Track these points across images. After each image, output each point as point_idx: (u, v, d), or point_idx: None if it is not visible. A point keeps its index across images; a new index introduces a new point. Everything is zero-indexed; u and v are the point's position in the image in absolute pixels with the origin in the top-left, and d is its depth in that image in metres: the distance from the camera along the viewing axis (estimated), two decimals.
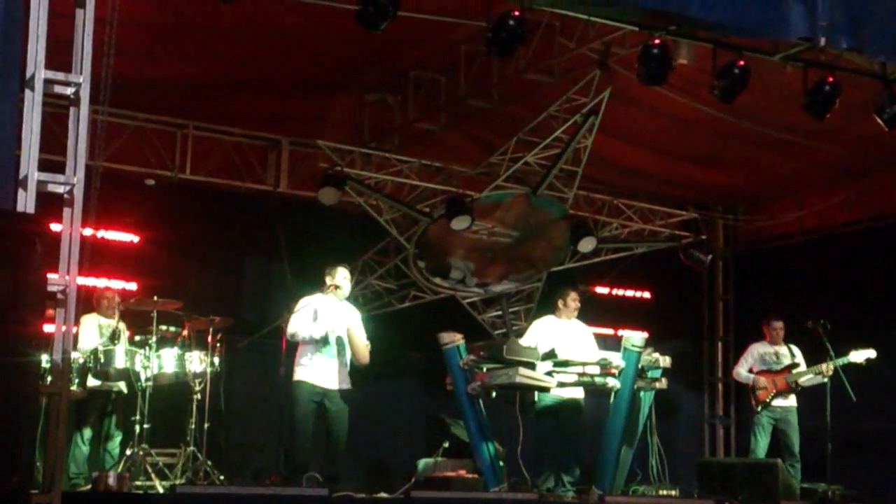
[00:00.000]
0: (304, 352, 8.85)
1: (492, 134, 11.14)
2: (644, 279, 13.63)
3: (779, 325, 11.01)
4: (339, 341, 8.91)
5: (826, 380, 10.37)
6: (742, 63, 8.68)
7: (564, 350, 9.26)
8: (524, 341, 9.44)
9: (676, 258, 12.73)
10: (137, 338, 9.21)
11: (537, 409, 9.58)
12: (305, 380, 8.77)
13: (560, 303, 9.96)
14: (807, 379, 10.67)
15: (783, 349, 10.95)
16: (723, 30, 8.30)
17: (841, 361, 10.43)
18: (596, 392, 9.53)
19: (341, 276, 9.05)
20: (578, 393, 9.62)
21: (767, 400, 10.75)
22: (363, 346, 8.96)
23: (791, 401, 10.81)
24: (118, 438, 9.40)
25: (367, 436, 11.31)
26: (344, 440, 8.87)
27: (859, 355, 10.47)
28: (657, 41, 8.56)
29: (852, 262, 12.69)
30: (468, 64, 10.25)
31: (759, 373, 10.90)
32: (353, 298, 11.26)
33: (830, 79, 8.89)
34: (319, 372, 8.82)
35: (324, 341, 8.83)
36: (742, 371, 11.07)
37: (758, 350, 11.05)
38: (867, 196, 12.58)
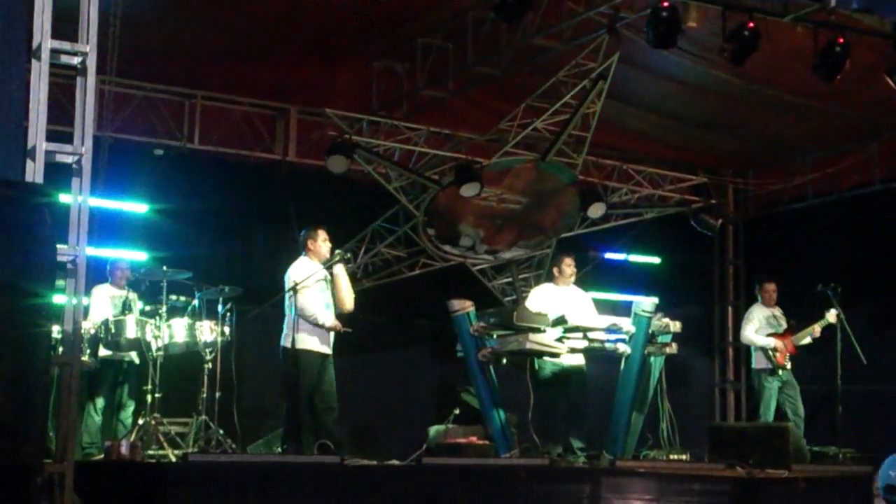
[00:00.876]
0: (303, 319, 8.68)
1: (500, 100, 11.10)
2: (654, 244, 13.61)
3: (772, 286, 11.08)
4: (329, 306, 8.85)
5: (811, 340, 10.71)
6: (752, 25, 8.62)
7: (572, 316, 9.26)
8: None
9: (687, 223, 12.71)
10: (148, 308, 9.23)
11: (540, 379, 9.56)
12: (311, 348, 8.71)
13: (555, 270, 9.94)
14: (805, 340, 10.73)
15: (778, 311, 11.03)
16: None
17: (822, 323, 10.58)
18: (606, 358, 9.54)
19: (322, 239, 8.91)
20: (579, 360, 9.62)
21: (784, 362, 10.76)
22: (348, 290, 8.87)
23: (789, 363, 10.87)
24: (130, 408, 9.45)
25: (378, 404, 11.36)
26: (336, 407, 8.85)
27: (831, 315, 10.52)
28: (666, 4, 8.53)
29: (863, 225, 12.65)
30: (476, 30, 10.20)
31: (769, 335, 10.89)
32: (362, 266, 11.29)
33: (841, 40, 8.83)
34: (321, 339, 8.76)
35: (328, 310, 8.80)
36: (751, 334, 11.03)
37: (761, 313, 11.07)
38: (878, 159, 12.52)
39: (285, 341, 8.64)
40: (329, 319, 8.74)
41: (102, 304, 9.47)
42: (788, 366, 10.80)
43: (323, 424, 8.68)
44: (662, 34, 8.66)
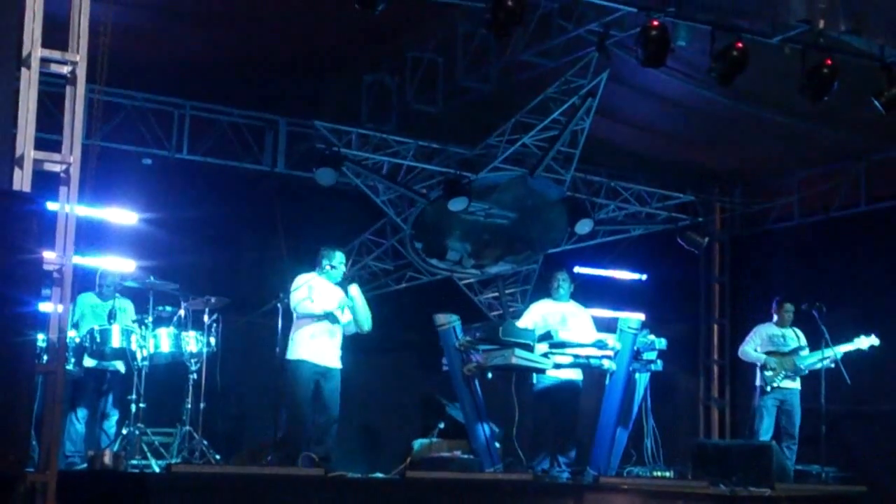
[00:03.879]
0: (305, 331, 8.87)
1: (489, 115, 11.12)
2: (641, 261, 13.64)
3: (790, 307, 11.02)
4: (335, 321, 8.95)
5: (833, 364, 10.43)
6: (740, 45, 8.66)
7: (562, 332, 9.30)
8: (521, 324, 9.46)
9: (673, 240, 12.74)
10: (134, 317, 9.21)
11: (536, 391, 9.61)
12: (307, 359, 8.80)
13: (551, 285, 10.03)
14: (812, 363, 10.67)
15: (789, 331, 10.97)
16: (721, 12, 8.28)
17: (846, 347, 10.47)
18: (592, 374, 9.56)
19: (338, 261, 9.11)
20: (576, 374, 9.65)
21: (776, 380, 10.75)
22: (365, 311, 9.05)
23: (796, 383, 10.82)
24: (114, 418, 9.41)
25: (362, 416, 11.35)
26: (337, 419, 8.91)
27: (863, 341, 10.51)
28: (656, 23, 8.55)
29: (849, 245, 12.70)
30: (466, 45, 10.23)
31: (768, 353, 10.89)
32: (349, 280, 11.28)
33: (828, 61, 8.88)
34: (320, 350, 8.86)
35: (325, 319, 8.86)
36: (750, 350, 11.04)
37: (766, 331, 11.05)
38: (864, 180, 12.57)
39: (289, 353, 8.86)
40: (317, 307, 8.85)
41: (83, 312, 9.43)
42: (786, 385, 10.77)
43: (318, 436, 8.73)
44: (652, 53, 8.69)
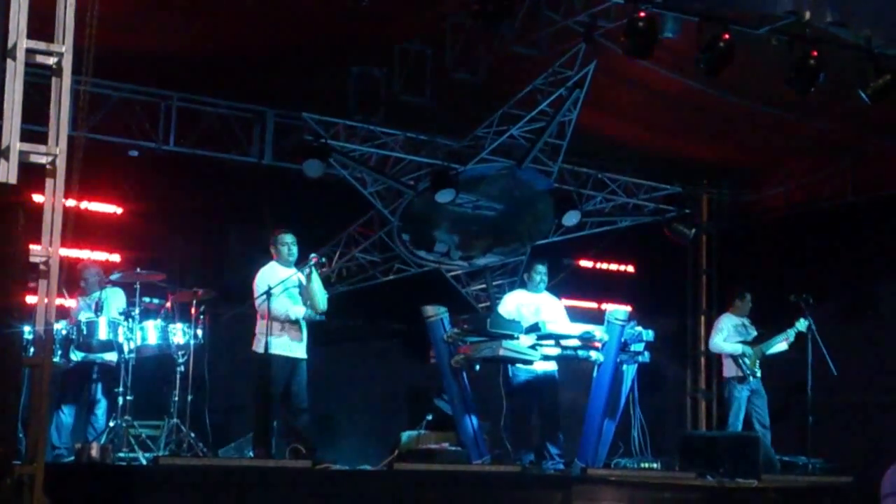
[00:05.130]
0: (275, 325, 8.66)
1: (477, 107, 11.11)
2: (628, 253, 13.65)
3: (748, 296, 11.13)
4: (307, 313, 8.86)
5: (786, 346, 10.74)
6: (727, 37, 8.67)
7: (555, 324, 9.33)
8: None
9: (661, 232, 12.76)
10: (122, 308, 9.19)
11: (513, 386, 9.57)
12: (280, 353, 8.68)
13: (525, 276, 10.04)
14: (776, 348, 10.78)
15: (747, 320, 11.07)
16: (709, 3, 8.28)
17: (792, 332, 10.65)
18: (578, 365, 9.57)
19: (283, 243, 8.93)
20: (552, 366, 9.65)
21: (754, 369, 10.78)
22: (320, 291, 8.87)
23: (759, 372, 10.90)
24: (102, 410, 9.39)
25: (350, 408, 11.35)
26: (307, 409, 8.82)
27: (802, 324, 10.59)
28: (643, 14, 8.55)
29: (836, 236, 12.73)
30: (454, 36, 10.20)
31: (740, 343, 10.92)
32: (336, 271, 11.28)
33: (815, 53, 8.89)
34: (291, 343, 8.76)
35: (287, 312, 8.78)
36: (720, 342, 11.06)
37: (730, 322, 11.12)
38: (851, 171, 12.61)
39: (258, 346, 8.64)
40: (299, 311, 8.75)
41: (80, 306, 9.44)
42: (758, 374, 10.83)
43: (294, 427, 8.68)
44: (639, 44, 8.71)
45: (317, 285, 8.87)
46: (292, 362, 8.74)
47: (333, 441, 10.38)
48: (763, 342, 10.85)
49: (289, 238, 8.96)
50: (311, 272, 8.78)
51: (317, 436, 9.12)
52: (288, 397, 8.71)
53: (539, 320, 9.32)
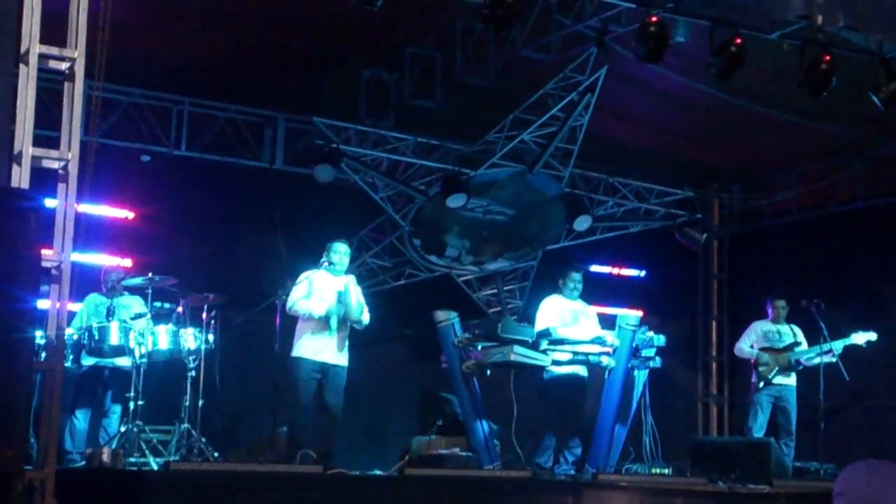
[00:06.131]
0: (305, 327, 8.76)
1: (488, 111, 11.11)
2: (639, 258, 13.63)
3: (782, 303, 10.99)
4: (339, 317, 8.85)
5: (833, 358, 10.40)
6: (739, 41, 8.65)
7: (568, 328, 9.30)
8: (538, 321, 9.44)
9: (672, 237, 12.73)
10: (137, 313, 9.20)
11: (541, 383, 9.55)
12: (306, 356, 8.71)
13: (560, 282, 9.98)
14: (809, 358, 10.66)
15: (785, 328, 10.93)
16: (720, 7, 8.27)
17: (842, 342, 10.45)
18: (591, 371, 9.56)
19: (336, 252, 8.99)
20: (581, 370, 9.62)
21: (769, 376, 10.73)
22: (357, 305, 8.88)
23: (791, 379, 10.80)
24: (114, 415, 9.39)
25: (361, 413, 11.32)
26: (340, 417, 8.85)
27: (860, 337, 10.48)
28: (654, 19, 8.54)
29: (848, 241, 12.70)
30: (464, 41, 10.21)
31: (763, 349, 10.87)
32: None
33: (827, 57, 8.87)
34: (320, 347, 8.76)
35: (325, 318, 8.78)
36: (745, 347, 11.02)
37: (761, 327, 11.04)
38: (863, 175, 12.57)
39: (292, 350, 8.77)
40: (319, 307, 8.73)
41: (90, 311, 9.43)
42: (781, 381, 10.75)
43: (320, 433, 8.69)
44: (651, 48, 8.68)
45: (355, 297, 8.86)
46: (322, 367, 8.73)
47: (344, 446, 10.37)
48: (789, 351, 10.75)
49: (341, 247, 9.04)
50: (346, 282, 8.83)
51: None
52: (320, 404, 8.73)
53: (557, 325, 9.33)
